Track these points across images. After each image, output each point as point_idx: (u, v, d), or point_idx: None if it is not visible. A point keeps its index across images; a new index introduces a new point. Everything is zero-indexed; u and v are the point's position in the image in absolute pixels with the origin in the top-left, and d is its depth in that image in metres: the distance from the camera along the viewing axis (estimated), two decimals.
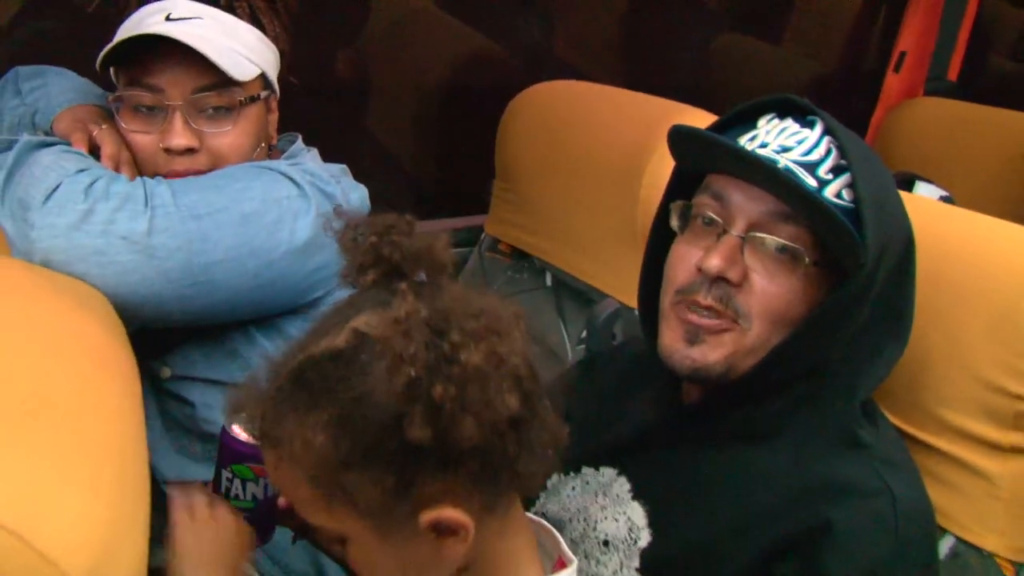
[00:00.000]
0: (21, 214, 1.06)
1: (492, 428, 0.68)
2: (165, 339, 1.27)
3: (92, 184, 1.08)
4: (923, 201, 1.28)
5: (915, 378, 1.08)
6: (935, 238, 1.09)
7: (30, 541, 0.57)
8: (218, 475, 0.97)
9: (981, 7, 2.63)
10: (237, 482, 0.95)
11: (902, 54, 2.57)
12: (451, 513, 0.71)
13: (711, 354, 0.96)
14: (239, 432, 0.94)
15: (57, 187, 1.06)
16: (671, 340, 0.98)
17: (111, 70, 1.23)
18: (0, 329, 0.77)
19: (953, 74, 2.67)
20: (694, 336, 0.96)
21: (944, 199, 2.04)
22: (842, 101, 2.94)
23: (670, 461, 1.02)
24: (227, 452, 0.95)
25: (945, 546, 1.05)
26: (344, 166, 1.34)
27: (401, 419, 0.66)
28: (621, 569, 1.02)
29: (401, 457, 0.68)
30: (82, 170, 1.10)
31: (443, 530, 0.72)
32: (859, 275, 0.90)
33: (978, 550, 1.04)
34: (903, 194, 1.02)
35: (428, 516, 0.71)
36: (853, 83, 2.98)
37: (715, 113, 1.49)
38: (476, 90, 2.31)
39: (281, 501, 0.96)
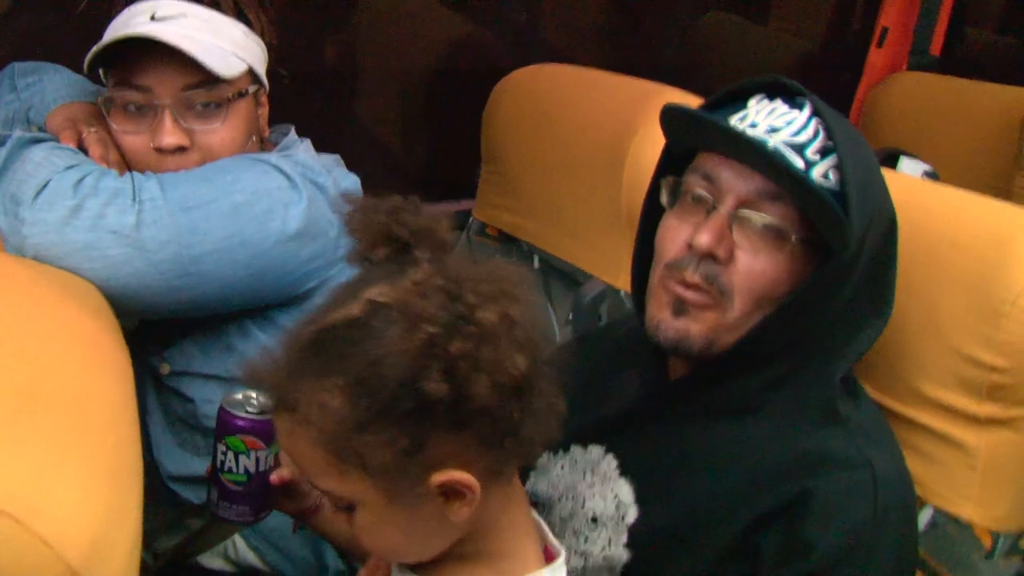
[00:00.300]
0: (13, 209, 1.08)
1: (502, 389, 0.71)
2: (163, 336, 1.29)
3: (81, 180, 1.09)
4: (900, 178, 1.30)
5: (894, 351, 1.10)
6: (912, 213, 1.10)
7: (29, 525, 0.59)
8: (214, 451, 0.99)
9: None
10: (231, 455, 0.97)
11: (884, 29, 2.57)
12: (460, 475, 0.73)
13: (693, 326, 0.98)
14: (227, 406, 0.97)
15: (47, 183, 1.08)
16: (657, 310, 1.00)
17: (100, 71, 1.24)
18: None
19: (936, 49, 2.68)
20: (679, 308, 0.98)
21: (928, 174, 2.06)
22: (826, 77, 2.95)
23: (656, 437, 1.04)
24: (221, 425, 0.98)
25: (924, 517, 1.08)
26: (337, 156, 1.35)
27: (416, 378, 0.68)
28: (609, 545, 1.04)
29: (415, 417, 0.70)
30: (71, 166, 1.11)
31: (451, 492, 0.74)
32: (843, 254, 0.92)
33: (956, 520, 1.06)
34: (883, 171, 1.04)
35: (438, 477, 0.73)
36: (837, 59, 2.99)
37: (699, 93, 1.50)
38: (460, 75, 2.32)
39: (274, 477, 0.99)
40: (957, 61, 2.71)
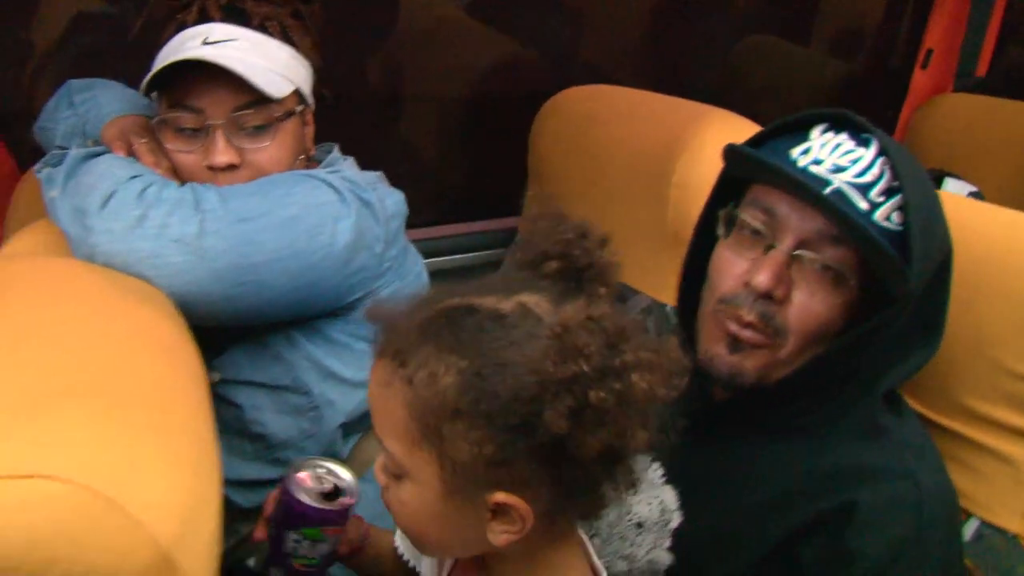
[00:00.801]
0: (80, 220, 1.12)
1: (609, 452, 0.70)
2: (213, 345, 1.33)
3: (145, 190, 1.14)
4: (948, 197, 1.30)
5: (939, 367, 1.11)
6: (961, 233, 1.11)
7: (123, 507, 0.62)
8: (281, 536, 0.98)
9: (1010, 2, 2.63)
10: (306, 543, 0.97)
11: (929, 51, 2.57)
12: (520, 504, 0.73)
13: (747, 362, 0.99)
14: (303, 495, 0.97)
15: (113, 193, 1.13)
16: (712, 345, 1.01)
17: (154, 94, 1.29)
18: (86, 323, 0.83)
19: (982, 70, 2.66)
20: (734, 345, 0.99)
21: (973, 195, 2.05)
22: (870, 99, 2.95)
23: (700, 449, 1.05)
24: (295, 516, 0.97)
25: (970, 529, 1.08)
26: (380, 173, 1.39)
27: (540, 402, 0.68)
28: (654, 548, 1.06)
29: (515, 434, 0.70)
30: (134, 176, 1.16)
31: (501, 513, 0.74)
32: (902, 302, 0.92)
33: (1003, 532, 1.07)
34: None
35: (500, 497, 0.72)
36: (881, 81, 2.98)
37: (743, 114, 1.53)
38: (505, 96, 2.35)
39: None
40: (1003, 82, 2.68)
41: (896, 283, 0.92)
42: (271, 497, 1.02)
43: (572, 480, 0.73)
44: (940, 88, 2.60)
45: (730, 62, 2.85)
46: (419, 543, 0.82)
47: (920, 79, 2.61)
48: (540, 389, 0.69)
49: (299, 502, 0.96)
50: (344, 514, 0.98)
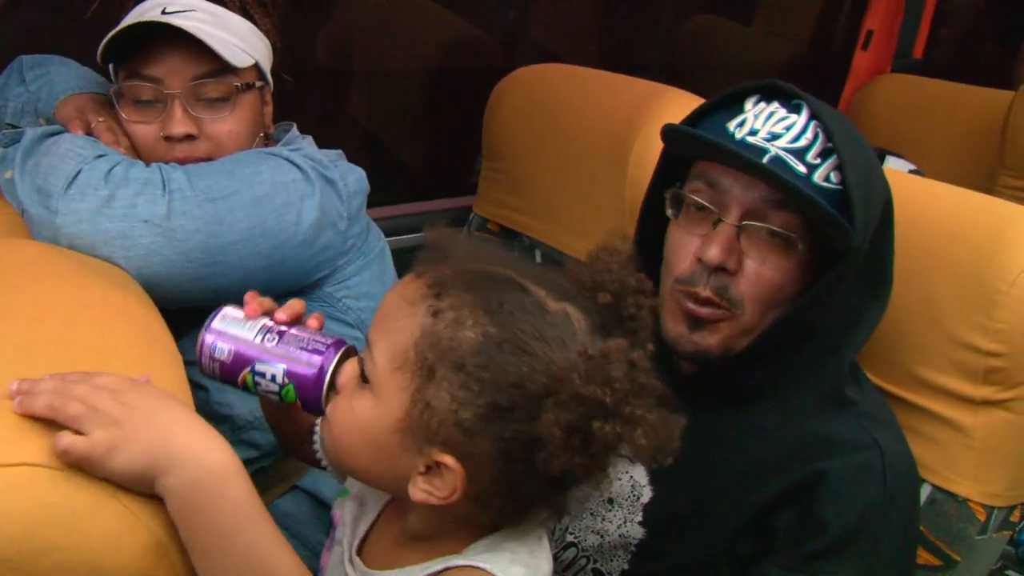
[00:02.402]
0: (43, 201, 1.10)
1: (564, 477, 0.71)
2: (177, 327, 1.31)
3: (111, 170, 1.11)
4: (893, 174, 1.34)
5: (893, 340, 1.15)
6: (908, 208, 1.15)
7: (115, 492, 0.62)
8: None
9: None
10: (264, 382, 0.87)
11: (869, 32, 2.63)
12: (459, 476, 0.72)
13: (710, 338, 1.01)
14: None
15: (78, 174, 1.10)
16: (674, 326, 1.03)
17: (111, 67, 1.27)
18: (60, 306, 0.82)
19: (918, 52, 2.74)
20: (695, 323, 1.02)
21: (913, 172, 2.11)
22: (813, 79, 3.01)
23: None
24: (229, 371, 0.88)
25: (924, 494, 1.13)
26: (340, 151, 1.38)
27: (541, 402, 0.69)
28: (625, 523, 1.08)
29: (495, 414, 0.70)
30: (100, 156, 1.13)
31: (432, 473, 0.73)
32: (851, 257, 0.95)
33: (953, 496, 1.12)
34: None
35: (445, 459, 0.72)
36: (823, 61, 3.04)
37: (693, 92, 1.55)
38: (459, 74, 2.35)
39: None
40: (938, 63, 2.77)
41: (841, 240, 0.95)
42: None
43: (516, 483, 0.73)
44: (880, 69, 2.67)
45: (677, 43, 2.88)
46: (342, 459, 0.80)
47: (861, 60, 2.67)
48: (546, 391, 0.70)
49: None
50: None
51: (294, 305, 0.89)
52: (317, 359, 0.83)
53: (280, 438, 1.04)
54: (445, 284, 0.74)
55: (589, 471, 0.71)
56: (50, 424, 0.67)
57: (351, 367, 0.80)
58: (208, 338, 0.86)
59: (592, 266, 0.79)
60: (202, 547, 0.69)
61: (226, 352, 0.85)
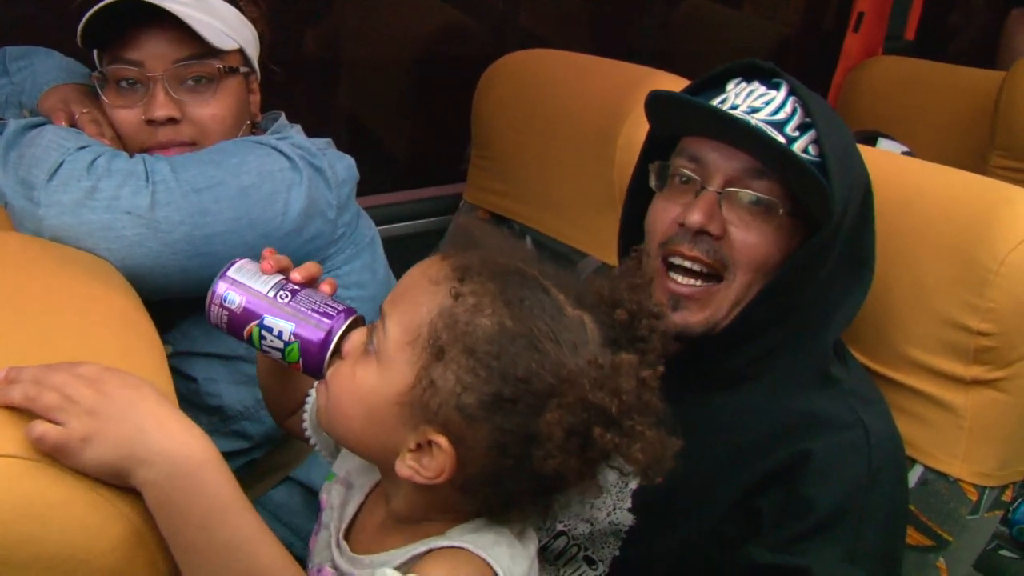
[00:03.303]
0: (25, 193, 1.09)
1: (555, 479, 0.72)
2: (165, 317, 1.30)
3: (94, 161, 1.10)
4: (884, 154, 1.34)
5: (881, 320, 1.15)
6: (897, 188, 1.16)
7: (93, 486, 0.61)
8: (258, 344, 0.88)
9: None
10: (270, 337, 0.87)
11: (861, 14, 2.62)
12: (449, 458, 0.72)
13: (692, 317, 1.02)
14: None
15: (60, 165, 1.09)
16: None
17: (94, 54, 1.26)
18: (39, 297, 0.81)
19: (910, 33, 2.73)
20: (675, 303, 1.03)
21: (905, 154, 2.10)
22: (804, 62, 3.00)
23: None
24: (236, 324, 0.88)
25: (915, 475, 1.13)
26: (329, 140, 1.37)
27: (546, 400, 0.70)
28: (614, 510, 1.08)
29: (498, 404, 0.71)
30: (83, 147, 1.12)
31: (423, 451, 0.74)
32: (829, 223, 0.97)
33: (945, 476, 1.11)
34: (867, 148, 1.08)
35: (438, 439, 0.72)
36: (814, 44, 3.03)
37: (684, 77, 1.54)
38: (447, 62, 2.34)
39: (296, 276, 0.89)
40: (930, 45, 2.76)
41: (821, 206, 0.97)
42: None
43: (504, 476, 0.73)
44: (871, 51, 2.66)
45: (669, 28, 2.87)
46: (335, 424, 0.80)
47: (852, 42, 2.66)
48: (551, 391, 0.70)
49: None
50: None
51: (310, 267, 0.90)
52: (327, 322, 0.83)
53: (269, 404, 1.04)
54: (470, 270, 0.75)
55: (580, 475, 0.72)
56: (27, 415, 0.66)
57: (359, 335, 0.81)
58: (221, 286, 0.86)
59: (613, 282, 0.81)
60: (182, 541, 0.69)
61: (237, 302, 0.86)
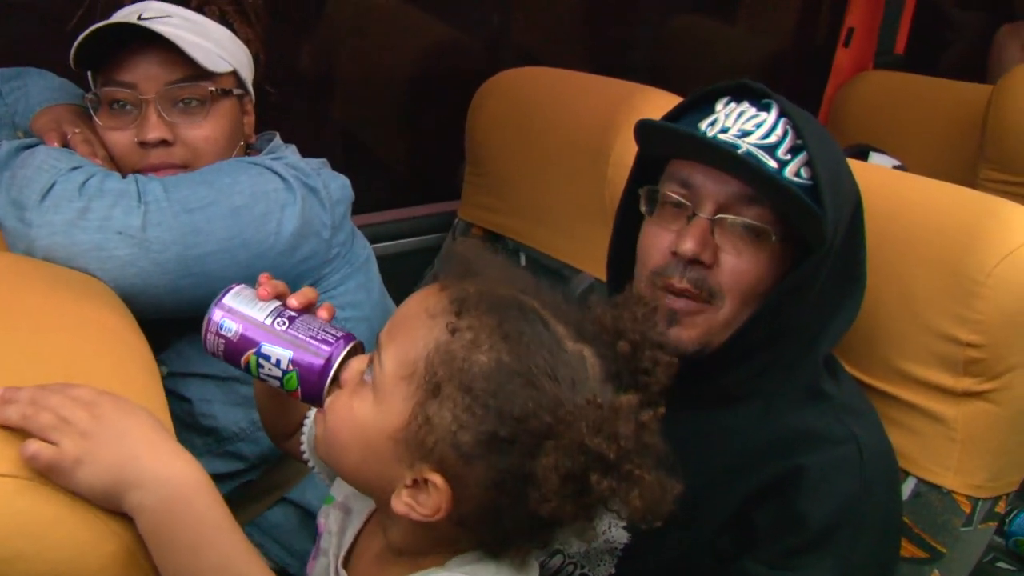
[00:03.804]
0: (17, 214, 1.09)
1: (551, 520, 0.70)
2: (159, 338, 1.30)
3: (86, 182, 1.11)
4: (874, 168, 1.35)
5: (872, 333, 1.16)
6: (887, 202, 1.16)
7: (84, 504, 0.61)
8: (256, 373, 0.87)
9: None
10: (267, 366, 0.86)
11: (851, 30, 2.64)
12: (445, 498, 0.71)
13: (685, 334, 1.02)
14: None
15: (52, 186, 1.10)
16: None
17: (89, 75, 1.26)
18: (33, 317, 0.81)
19: (900, 48, 2.75)
20: (671, 318, 1.02)
21: (897, 168, 2.12)
22: (795, 77, 3.02)
23: None
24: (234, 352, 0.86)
25: (908, 487, 1.13)
26: (324, 160, 1.38)
27: (542, 438, 0.69)
28: (610, 528, 1.08)
29: (494, 444, 0.70)
30: (75, 168, 1.13)
31: (419, 489, 0.73)
32: (822, 249, 0.96)
33: (938, 488, 1.12)
34: (857, 162, 1.09)
35: (433, 478, 0.71)
36: (805, 59, 3.05)
37: (675, 93, 1.56)
38: (441, 79, 2.35)
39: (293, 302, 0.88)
40: (920, 59, 2.78)
41: (813, 231, 0.96)
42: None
43: (502, 515, 0.72)
44: (862, 66, 2.67)
45: (659, 44, 2.89)
46: (332, 454, 0.80)
47: (842, 57, 2.67)
48: (548, 431, 0.69)
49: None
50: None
51: (307, 292, 0.88)
52: (326, 349, 0.82)
53: (267, 426, 1.03)
54: (468, 303, 0.73)
55: (575, 518, 0.71)
56: (21, 435, 0.67)
57: (357, 364, 0.79)
58: (217, 314, 0.85)
59: (616, 311, 0.79)
60: (173, 565, 0.69)
61: (233, 330, 0.84)
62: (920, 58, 2.80)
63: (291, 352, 0.82)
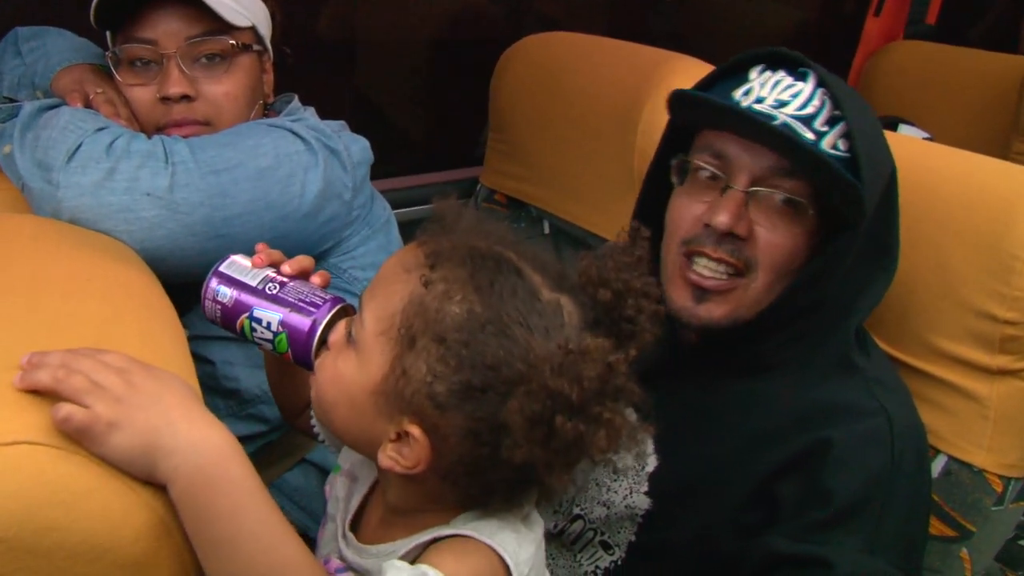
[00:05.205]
0: (43, 175, 1.08)
1: (524, 471, 0.70)
2: (183, 300, 1.30)
3: (113, 142, 1.10)
4: (906, 139, 1.32)
5: (906, 308, 1.14)
6: (921, 174, 1.14)
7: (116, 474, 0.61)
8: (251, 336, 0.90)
9: None
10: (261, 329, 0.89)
11: None
12: (424, 447, 0.72)
13: (716, 310, 1.01)
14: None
15: (79, 147, 1.09)
16: (679, 299, 1.02)
17: (107, 35, 1.25)
18: (62, 281, 0.81)
19: (932, 17, 2.70)
20: (700, 295, 1.01)
21: (926, 140, 2.08)
22: (823, 46, 2.97)
23: (674, 393, 1.06)
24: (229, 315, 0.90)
25: (938, 465, 1.12)
26: (343, 122, 1.37)
27: (512, 384, 0.69)
28: (631, 494, 1.07)
29: (468, 393, 0.70)
30: (101, 128, 1.12)
31: (402, 441, 0.73)
32: (860, 224, 0.94)
33: (969, 467, 1.10)
34: (889, 133, 1.07)
35: (412, 429, 0.72)
36: (834, 28, 3.00)
37: (703, 60, 1.53)
38: (467, 44, 2.32)
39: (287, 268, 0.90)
40: (952, 29, 2.72)
41: (852, 206, 0.94)
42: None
43: (481, 465, 0.72)
44: (892, 35, 2.63)
45: (685, 10, 2.84)
46: (323, 415, 0.81)
47: (873, 26, 2.63)
48: (520, 379, 0.69)
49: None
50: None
51: (301, 260, 0.91)
52: (313, 311, 0.85)
53: (280, 402, 1.04)
54: (441, 256, 0.74)
55: (549, 466, 0.70)
56: (51, 402, 0.66)
57: (342, 326, 0.81)
58: (213, 281, 0.90)
59: (601, 261, 0.78)
60: (207, 534, 0.68)
61: (228, 296, 0.88)
62: (952, 28, 2.75)
63: (280, 315, 0.86)
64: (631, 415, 0.72)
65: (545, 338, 0.71)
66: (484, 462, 0.72)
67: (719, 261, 0.99)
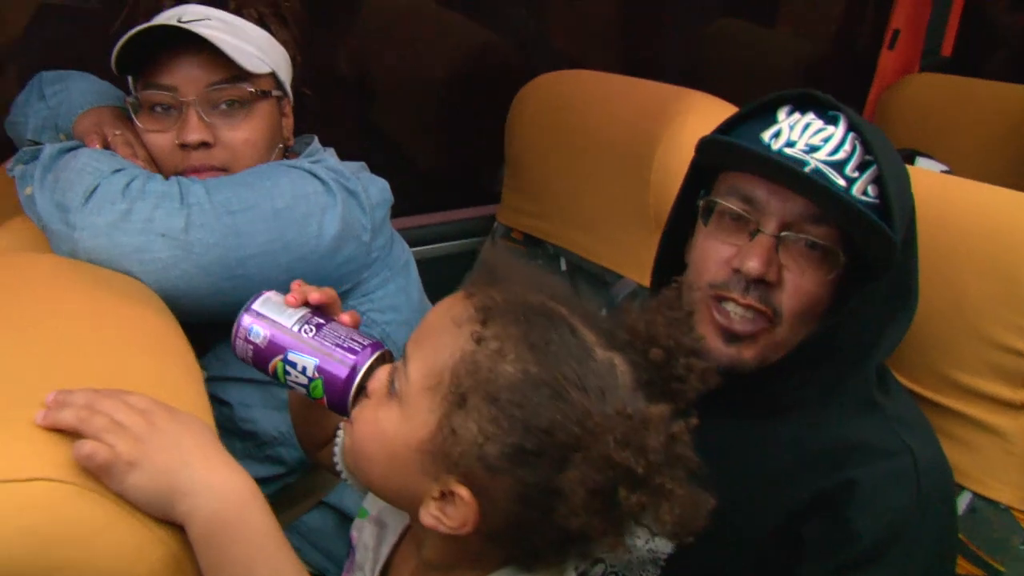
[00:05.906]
0: (61, 216, 1.10)
1: (579, 535, 0.69)
2: (198, 341, 1.31)
3: (129, 184, 1.11)
4: (923, 172, 1.31)
5: (926, 343, 1.13)
6: (939, 207, 1.13)
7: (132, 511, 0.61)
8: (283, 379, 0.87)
9: None
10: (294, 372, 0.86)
11: (896, 31, 2.59)
12: (472, 511, 0.70)
13: (745, 353, 1.00)
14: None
15: (96, 188, 1.10)
16: (708, 340, 1.00)
17: (129, 80, 1.27)
18: (78, 321, 0.81)
19: (947, 50, 2.70)
20: (730, 338, 1.00)
21: (944, 173, 2.07)
22: (838, 80, 2.97)
23: (696, 433, 1.06)
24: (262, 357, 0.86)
25: (963, 502, 1.10)
26: (363, 163, 1.38)
27: (569, 450, 0.67)
28: (653, 537, 1.06)
29: (521, 456, 0.68)
30: (117, 170, 1.13)
31: (446, 501, 0.72)
32: (888, 271, 0.93)
33: (995, 504, 1.08)
34: (910, 168, 1.06)
35: (460, 491, 0.70)
36: (848, 61, 3.00)
37: (719, 97, 1.53)
38: (480, 82, 2.34)
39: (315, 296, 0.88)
40: (968, 61, 2.72)
41: (879, 252, 0.93)
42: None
43: (530, 529, 0.71)
44: (907, 68, 2.62)
45: (701, 46, 2.86)
46: (359, 466, 0.79)
47: (887, 59, 2.63)
48: (576, 443, 0.67)
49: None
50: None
51: (327, 290, 0.89)
52: (352, 358, 0.81)
53: (300, 436, 1.03)
54: (493, 311, 0.72)
55: (605, 533, 0.69)
56: (69, 440, 0.66)
57: (383, 374, 0.78)
58: (246, 319, 0.85)
59: (649, 316, 0.76)
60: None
61: (262, 336, 0.84)
62: (967, 60, 2.74)
63: (317, 360, 0.82)
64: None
65: (601, 400, 0.69)
66: (533, 525, 0.70)
67: (747, 307, 0.98)
